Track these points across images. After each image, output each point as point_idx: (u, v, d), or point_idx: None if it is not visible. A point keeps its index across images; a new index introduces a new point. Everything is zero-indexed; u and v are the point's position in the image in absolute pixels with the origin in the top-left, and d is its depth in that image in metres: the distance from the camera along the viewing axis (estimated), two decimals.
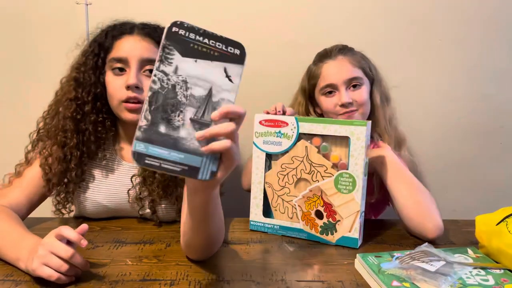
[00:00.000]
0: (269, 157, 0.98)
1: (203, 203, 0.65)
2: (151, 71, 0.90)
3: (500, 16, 1.32)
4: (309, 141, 0.94)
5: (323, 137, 0.93)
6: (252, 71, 1.27)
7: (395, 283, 0.70)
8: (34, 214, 0.98)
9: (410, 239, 0.95)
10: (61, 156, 0.91)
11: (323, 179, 0.92)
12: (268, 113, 0.99)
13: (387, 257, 0.78)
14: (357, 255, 0.80)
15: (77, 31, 1.25)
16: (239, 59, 0.59)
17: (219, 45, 0.58)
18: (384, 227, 1.01)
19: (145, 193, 0.95)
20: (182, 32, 0.57)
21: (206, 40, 0.58)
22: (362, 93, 1.07)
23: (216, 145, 0.55)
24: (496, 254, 0.79)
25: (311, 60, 1.16)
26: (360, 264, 0.78)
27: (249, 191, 1.01)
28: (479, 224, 0.85)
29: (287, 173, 0.96)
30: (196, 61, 0.57)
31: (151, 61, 0.90)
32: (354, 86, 1.07)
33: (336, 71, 1.07)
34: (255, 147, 0.98)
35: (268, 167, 0.99)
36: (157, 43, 0.91)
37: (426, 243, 0.81)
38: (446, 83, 1.35)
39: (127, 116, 0.91)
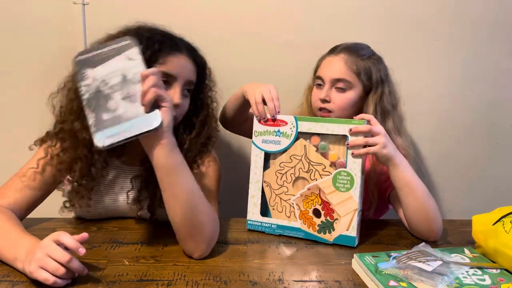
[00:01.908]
0: (268, 156, 0.99)
1: (162, 156, 0.75)
2: (188, 90, 0.93)
3: (497, 16, 1.32)
4: (307, 140, 0.94)
5: (322, 136, 0.93)
6: (252, 71, 1.28)
7: (392, 283, 0.70)
8: (34, 214, 0.97)
9: (407, 239, 0.95)
10: (86, 155, 0.90)
11: (321, 178, 0.92)
12: (258, 118, 0.97)
13: (384, 257, 0.78)
14: (354, 255, 0.80)
15: (74, 31, 1.25)
16: (132, 44, 0.77)
17: (112, 46, 0.76)
18: (381, 227, 1.02)
19: (144, 195, 0.95)
20: (83, 57, 0.76)
21: (101, 50, 0.76)
22: (344, 98, 1.05)
23: (148, 96, 0.72)
24: (492, 253, 0.80)
25: (311, 60, 1.16)
26: (357, 264, 0.78)
27: (224, 124, 1.13)
28: (475, 224, 0.86)
29: (286, 172, 0.96)
30: (103, 64, 0.75)
31: (190, 83, 0.93)
32: (341, 88, 1.05)
33: (328, 67, 1.07)
34: (254, 146, 0.98)
35: (266, 166, 0.99)
36: (197, 65, 0.95)
37: (423, 243, 0.81)
38: (442, 84, 1.35)
39: None
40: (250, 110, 1.11)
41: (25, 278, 0.72)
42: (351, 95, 1.06)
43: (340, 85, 1.06)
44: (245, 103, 1.06)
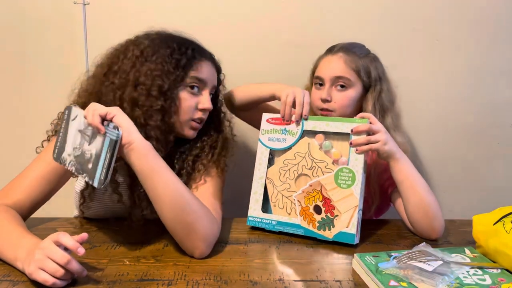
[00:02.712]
0: (272, 153, 1.00)
1: (134, 160, 0.77)
2: (211, 94, 0.97)
3: (497, 16, 1.32)
4: (312, 138, 0.96)
5: (326, 133, 0.95)
6: (252, 71, 1.28)
7: (392, 282, 0.70)
8: (36, 214, 0.97)
9: (408, 238, 0.95)
10: None
11: (324, 175, 0.93)
12: (283, 118, 0.99)
13: (385, 257, 0.78)
14: (355, 254, 0.80)
15: (75, 31, 1.25)
16: (69, 109, 0.82)
17: (62, 124, 0.82)
18: (381, 227, 1.02)
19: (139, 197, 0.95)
20: (55, 153, 0.82)
21: (59, 134, 0.82)
22: (345, 96, 1.06)
23: (90, 119, 0.76)
24: (493, 253, 0.79)
25: (311, 60, 1.16)
26: (357, 263, 0.78)
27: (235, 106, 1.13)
28: (476, 224, 0.86)
29: (289, 169, 0.97)
30: (66, 141, 0.81)
31: (214, 88, 0.99)
32: (342, 86, 1.06)
33: (327, 66, 1.07)
34: (260, 144, 1.00)
35: (270, 163, 1.00)
36: (217, 70, 1.00)
37: (424, 243, 0.81)
38: (443, 84, 1.35)
39: (189, 133, 0.95)
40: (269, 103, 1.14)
41: (26, 278, 0.73)
42: (351, 93, 1.06)
43: (341, 83, 1.06)
44: (266, 99, 1.08)
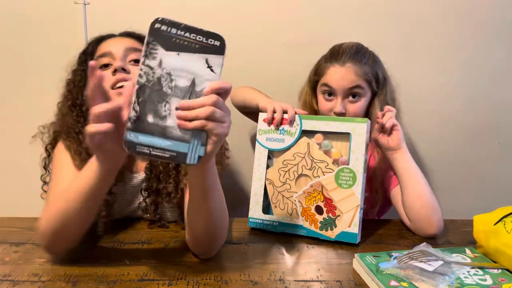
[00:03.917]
0: (271, 154, 0.99)
1: (200, 177, 0.69)
2: (136, 61, 0.93)
3: (497, 15, 1.32)
4: (311, 138, 0.95)
5: (325, 133, 0.95)
6: (252, 71, 1.28)
7: (393, 282, 0.70)
8: (36, 213, 0.97)
9: (408, 239, 0.95)
10: None
11: (324, 175, 0.93)
12: (271, 121, 0.98)
13: (385, 257, 0.78)
14: (355, 254, 0.80)
15: (75, 31, 1.25)
16: (219, 50, 0.62)
17: (199, 38, 0.62)
18: (382, 227, 1.02)
19: (153, 204, 0.96)
20: (164, 27, 0.61)
21: (187, 34, 0.62)
22: (358, 107, 1.06)
23: (190, 125, 0.60)
24: (494, 253, 0.79)
25: (311, 60, 1.15)
26: (358, 264, 0.78)
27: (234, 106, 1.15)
28: (477, 224, 0.85)
29: (289, 169, 0.97)
30: (178, 54, 0.61)
31: (135, 50, 0.93)
32: (354, 96, 1.06)
33: (339, 78, 1.05)
34: (258, 145, 0.99)
35: (269, 164, 1.00)
36: (138, 39, 0.97)
37: (424, 243, 0.81)
38: (443, 83, 1.35)
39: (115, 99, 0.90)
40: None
41: (26, 278, 0.73)
42: (363, 103, 1.07)
43: (354, 93, 1.06)
44: (255, 108, 1.07)
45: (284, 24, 1.29)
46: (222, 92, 0.61)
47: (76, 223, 0.75)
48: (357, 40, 1.13)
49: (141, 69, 0.61)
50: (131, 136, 0.60)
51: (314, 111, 1.14)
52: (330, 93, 1.08)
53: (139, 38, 0.98)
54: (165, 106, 0.61)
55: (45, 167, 0.99)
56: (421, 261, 0.73)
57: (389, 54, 1.14)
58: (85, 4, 1.25)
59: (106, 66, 0.93)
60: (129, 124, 0.60)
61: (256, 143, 1.00)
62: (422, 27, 1.31)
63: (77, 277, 0.74)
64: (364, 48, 1.10)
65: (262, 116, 1.00)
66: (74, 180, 0.73)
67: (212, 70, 0.62)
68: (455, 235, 0.98)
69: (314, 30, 1.29)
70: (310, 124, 0.95)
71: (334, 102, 1.07)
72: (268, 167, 0.99)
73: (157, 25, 0.61)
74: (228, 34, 1.33)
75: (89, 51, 0.99)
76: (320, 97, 1.11)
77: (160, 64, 0.61)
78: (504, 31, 1.33)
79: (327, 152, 0.95)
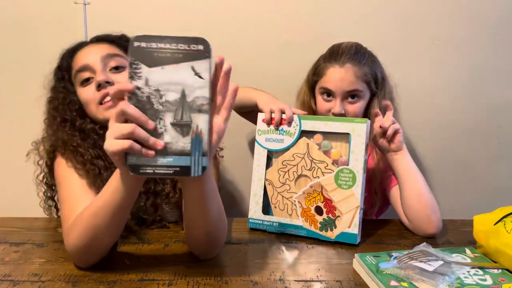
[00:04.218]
0: (270, 154, 0.99)
1: (199, 186, 0.68)
2: (116, 68, 0.91)
3: (497, 16, 1.32)
4: (310, 138, 0.95)
5: (324, 134, 0.94)
6: (252, 71, 1.28)
7: (393, 282, 0.70)
8: (35, 213, 0.98)
9: (409, 238, 0.95)
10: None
11: (324, 175, 0.93)
12: (270, 121, 0.98)
13: (385, 257, 0.78)
14: (356, 254, 0.80)
15: (76, 31, 1.25)
16: (204, 54, 0.61)
17: (181, 46, 0.60)
18: (382, 227, 1.02)
19: (152, 206, 0.96)
20: (143, 44, 0.60)
21: (168, 45, 0.60)
22: (357, 108, 1.06)
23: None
24: (494, 253, 0.79)
25: (311, 60, 1.15)
26: (358, 264, 0.78)
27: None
28: (477, 224, 0.85)
29: (288, 170, 0.97)
30: (163, 68, 0.60)
31: (113, 56, 0.91)
32: (353, 97, 1.06)
33: (338, 79, 1.05)
34: (257, 145, 0.99)
35: (268, 164, 1.00)
36: (112, 42, 0.94)
37: (424, 243, 0.81)
38: (443, 83, 1.35)
39: (106, 114, 0.88)
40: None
41: (26, 278, 0.73)
42: (363, 103, 1.07)
43: (353, 94, 1.05)
44: (254, 107, 1.07)
45: (284, 23, 1.29)
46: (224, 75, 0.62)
47: (107, 237, 0.74)
48: (357, 39, 1.13)
49: (128, 92, 0.60)
50: (133, 159, 0.60)
51: (312, 111, 1.13)
52: (329, 93, 1.07)
53: (113, 41, 0.95)
54: (159, 123, 0.60)
55: (47, 183, 0.97)
56: (421, 261, 0.73)
57: (388, 54, 1.14)
58: (85, 4, 1.25)
59: (87, 80, 0.90)
60: None
61: (255, 143, 1.00)
62: (421, 27, 1.31)
63: (77, 277, 0.74)
64: (363, 49, 1.10)
65: (261, 116, 1.00)
66: (100, 195, 0.72)
67: (200, 77, 0.61)
68: (455, 235, 0.98)
69: (314, 30, 1.29)
70: (310, 124, 0.95)
71: (333, 103, 1.06)
72: (267, 167, 0.99)
73: (136, 44, 0.60)
74: (228, 34, 1.34)
75: (65, 66, 0.96)
76: (319, 97, 1.10)
77: (146, 82, 0.60)
78: (503, 31, 1.33)
79: (326, 153, 0.94)
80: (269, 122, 0.98)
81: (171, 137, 0.60)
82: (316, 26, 1.30)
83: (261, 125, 0.99)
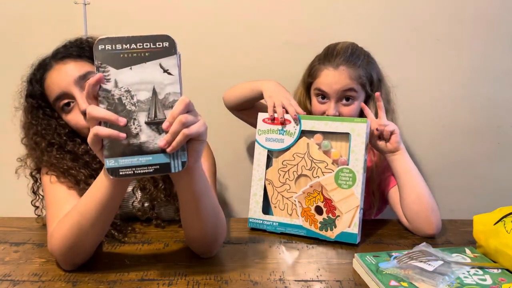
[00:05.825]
0: (270, 154, 1.00)
1: (189, 183, 0.69)
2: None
3: (497, 16, 1.32)
4: (310, 138, 0.95)
5: (324, 133, 0.95)
6: (252, 70, 1.28)
7: (393, 282, 0.70)
8: (33, 213, 0.98)
9: (408, 238, 0.95)
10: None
11: (324, 175, 0.93)
12: (273, 119, 0.98)
13: (385, 257, 0.78)
14: (355, 254, 0.80)
15: (75, 31, 1.25)
16: (170, 50, 0.61)
17: (147, 45, 0.61)
18: (382, 227, 1.02)
19: (147, 203, 0.96)
20: (109, 47, 0.60)
21: (133, 45, 0.60)
22: (352, 109, 1.06)
23: (175, 143, 0.60)
24: (493, 253, 0.79)
25: (310, 60, 1.15)
26: (358, 263, 0.78)
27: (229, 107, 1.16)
28: (476, 223, 0.85)
29: (288, 170, 0.97)
30: (131, 68, 0.60)
31: (86, 75, 0.86)
32: (347, 99, 1.05)
33: (332, 81, 1.04)
34: (257, 145, 0.99)
35: (268, 164, 1.00)
36: (78, 57, 0.89)
37: (424, 243, 0.81)
38: (443, 83, 1.35)
39: None
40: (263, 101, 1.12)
41: (26, 278, 0.73)
42: (357, 105, 1.06)
43: (347, 96, 1.05)
44: (258, 97, 1.08)
45: (284, 24, 1.29)
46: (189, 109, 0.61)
47: (92, 236, 0.74)
48: (357, 40, 1.13)
49: (99, 95, 0.60)
50: (111, 162, 0.60)
51: (308, 111, 1.13)
52: (323, 95, 1.07)
53: (78, 56, 0.90)
54: (134, 123, 0.61)
55: (34, 192, 0.96)
56: (421, 261, 0.73)
57: (388, 54, 1.14)
58: (85, 4, 1.25)
59: (68, 105, 0.87)
60: (105, 152, 0.60)
61: (256, 143, 1.00)
62: (422, 27, 1.31)
63: (77, 277, 0.74)
64: (358, 49, 1.09)
65: (261, 116, 1.00)
66: (86, 194, 0.72)
67: (169, 73, 0.61)
68: (455, 235, 0.98)
69: (313, 30, 1.29)
70: (310, 124, 0.95)
71: (327, 105, 1.06)
72: (267, 167, 0.99)
73: (101, 47, 0.60)
74: (228, 34, 1.34)
75: (38, 94, 0.91)
76: (314, 99, 1.10)
77: (116, 84, 0.60)
78: (503, 31, 1.33)
79: (326, 152, 0.95)
80: (273, 119, 0.98)
81: (147, 136, 0.61)
82: (315, 26, 1.30)
83: (261, 125, 0.99)
